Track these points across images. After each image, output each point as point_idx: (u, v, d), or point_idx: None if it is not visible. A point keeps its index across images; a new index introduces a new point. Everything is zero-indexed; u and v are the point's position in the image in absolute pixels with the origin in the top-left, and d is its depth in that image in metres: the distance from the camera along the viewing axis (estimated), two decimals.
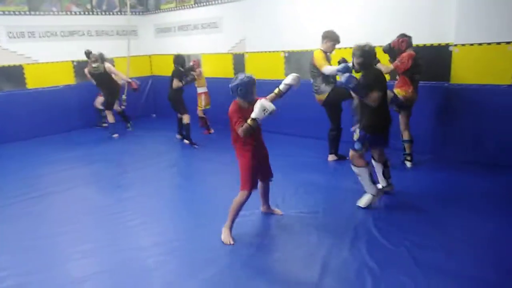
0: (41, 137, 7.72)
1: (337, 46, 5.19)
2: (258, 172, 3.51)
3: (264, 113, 3.13)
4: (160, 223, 3.94)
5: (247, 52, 7.42)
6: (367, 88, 3.68)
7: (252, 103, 3.28)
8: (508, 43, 4.61)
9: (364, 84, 3.69)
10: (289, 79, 3.51)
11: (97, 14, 8.71)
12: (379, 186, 4.13)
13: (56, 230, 3.84)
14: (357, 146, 3.86)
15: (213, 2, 7.91)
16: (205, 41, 8.29)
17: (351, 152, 3.92)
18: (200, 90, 7.28)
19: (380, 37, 5.08)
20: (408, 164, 5.01)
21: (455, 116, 5.11)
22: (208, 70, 8.41)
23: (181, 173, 5.61)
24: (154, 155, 6.28)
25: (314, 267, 2.98)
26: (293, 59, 6.76)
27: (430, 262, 2.96)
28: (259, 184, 3.68)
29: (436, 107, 5.27)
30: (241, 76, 3.33)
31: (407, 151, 5.02)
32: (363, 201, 3.92)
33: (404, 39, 4.75)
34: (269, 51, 7.08)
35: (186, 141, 6.73)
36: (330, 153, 5.45)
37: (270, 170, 3.69)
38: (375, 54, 3.91)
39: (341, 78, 3.74)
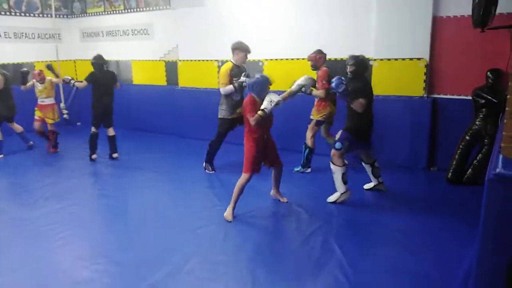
0: None
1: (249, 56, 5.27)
2: (263, 160, 3.99)
3: (271, 104, 3.63)
4: (89, 234, 3.81)
5: (180, 60, 7.41)
6: (355, 94, 3.99)
7: (263, 100, 3.75)
8: (419, 59, 5.19)
9: (353, 90, 4.01)
10: (301, 79, 4.07)
11: (16, 14, 8.12)
12: (371, 185, 4.59)
13: None
14: (337, 145, 4.17)
15: (144, 9, 7.80)
16: (136, 47, 8.12)
17: (332, 151, 4.22)
18: (49, 101, 6.63)
19: (304, 51, 5.37)
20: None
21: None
22: (139, 77, 8.27)
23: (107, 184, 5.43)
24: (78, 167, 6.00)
25: None
26: None
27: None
28: (272, 170, 4.20)
29: None
30: (258, 75, 3.87)
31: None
32: (332, 197, 4.28)
33: (321, 56, 4.99)
34: (203, 60, 7.14)
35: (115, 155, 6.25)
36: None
37: (279, 159, 4.13)
38: (367, 65, 4.30)
39: (332, 84, 4.06)
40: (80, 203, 4.53)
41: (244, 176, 3.88)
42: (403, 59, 5.28)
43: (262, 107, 3.67)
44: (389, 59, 5.35)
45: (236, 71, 5.12)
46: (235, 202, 3.94)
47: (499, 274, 2.20)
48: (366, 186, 4.66)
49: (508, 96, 2.17)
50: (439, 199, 4.42)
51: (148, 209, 4.33)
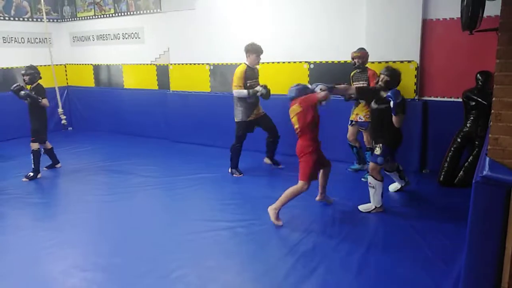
0: None
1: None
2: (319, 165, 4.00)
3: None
4: (79, 240, 3.75)
5: (171, 64, 7.38)
6: (399, 108, 3.88)
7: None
8: (409, 61, 5.21)
9: (401, 103, 3.90)
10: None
11: (4, 19, 8.05)
12: (398, 185, 4.67)
13: None
14: (380, 160, 4.06)
15: (134, 12, 7.77)
16: (127, 51, 8.08)
17: (372, 165, 4.12)
18: None
19: (303, 52, 5.39)
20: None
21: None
22: (130, 81, 8.22)
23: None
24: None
25: None
26: (218, 72, 6.87)
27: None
28: (320, 173, 4.12)
29: None
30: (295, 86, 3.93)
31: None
32: (365, 207, 4.18)
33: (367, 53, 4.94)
34: (194, 63, 7.11)
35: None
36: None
37: (326, 159, 4.11)
38: (400, 79, 4.12)
39: (388, 92, 3.90)
40: (69, 209, 4.47)
41: (301, 184, 3.81)
42: (394, 61, 5.29)
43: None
44: (380, 62, 5.36)
45: (250, 73, 5.15)
46: (281, 206, 3.87)
47: (488, 274, 2.19)
48: (392, 188, 4.71)
49: (494, 99, 2.17)
50: (430, 202, 4.42)
51: (138, 214, 4.28)
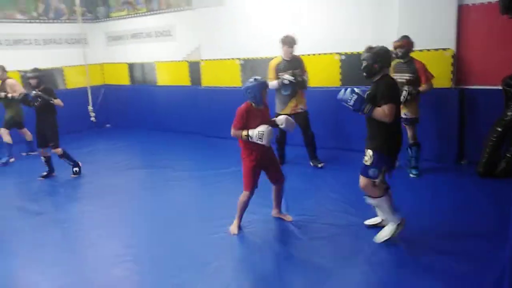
0: None
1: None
2: (262, 174, 3.63)
3: (257, 139, 3.32)
4: (119, 233, 3.92)
5: (202, 60, 7.48)
6: (379, 100, 3.06)
7: (263, 106, 3.51)
8: (445, 49, 5.05)
9: (374, 94, 3.10)
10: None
11: (44, 22, 8.40)
12: (377, 220, 3.56)
13: None
14: (372, 173, 3.13)
15: (166, 10, 7.91)
16: (159, 49, 8.25)
17: (362, 180, 3.21)
18: None
19: (329, 46, 5.31)
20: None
21: None
22: (163, 78, 8.40)
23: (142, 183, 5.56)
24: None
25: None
26: (249, 67, 6.91)
27: None
28: (273, 187, 3.79)
29: None
30: (251, 79, 3.50)
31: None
32: (383, 233, 3.29)
33: (412, 42, 4.60)
34: (225, 59, 7.18)
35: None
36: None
37: (281, 174, 3.74)
38: (389, 59, 3.28)
39: (341, 96, 3.16)
40: (109, 203, 4.67)
41: (244, 194, 3.62)
42: (429, 50, 5.14)
43: (250, 133, 3.36)
44: (413, 51, 5.21)
45: (284, 65, 5.10)
46: (240, 218, 3.71)
47: None
48: (368, 222, 3.59)
49: None
50: (470, 193, 4.29)
51: (175, 207, 4.42)
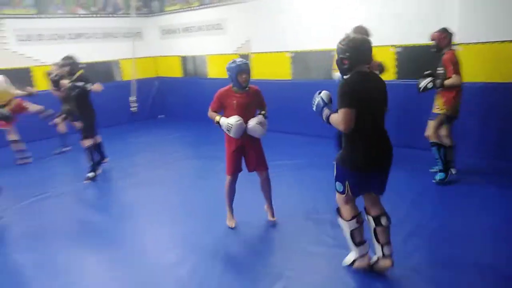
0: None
1: None
2: (242, 161, 3.61)
3: (226, 130, 3.38)
4: (171, 221, 4.10)
5: (252, 53, 7.53)
6: (339, 104, 2.54)
7: (247, 91, 3.48)
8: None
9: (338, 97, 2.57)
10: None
11: (103, 16, 8.82)
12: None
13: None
14: (338, 186, 2.77)
15: (217, 4, 8.02)
16: (210, 42, 8.40)
17: (336, 196, 2.85)
18: None
19: (384, 38, 5.14)
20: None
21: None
22: (214, 71, 8.55)
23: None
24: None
25: None
26: (299, 59, 6.87)
27: None
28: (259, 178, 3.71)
29: None
30: (231, 61, 3.45)
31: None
32: (346, 258, 3.00)
33: (447, 35, 4.31)
34: (275, 52, 7.19)
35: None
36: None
37: (260, 162, 3.63)
38: (366, 52, 2.83)
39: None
40: (162, 192, 4.87)
41: (227, 178, 3.63)
42: (492, 42, 4.84)
43: (221, 121, 3.38)
44: (475, 43, 4.95)
45: None
46: (229, 206, 3.73)
47: None
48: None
49: None
50: None
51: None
